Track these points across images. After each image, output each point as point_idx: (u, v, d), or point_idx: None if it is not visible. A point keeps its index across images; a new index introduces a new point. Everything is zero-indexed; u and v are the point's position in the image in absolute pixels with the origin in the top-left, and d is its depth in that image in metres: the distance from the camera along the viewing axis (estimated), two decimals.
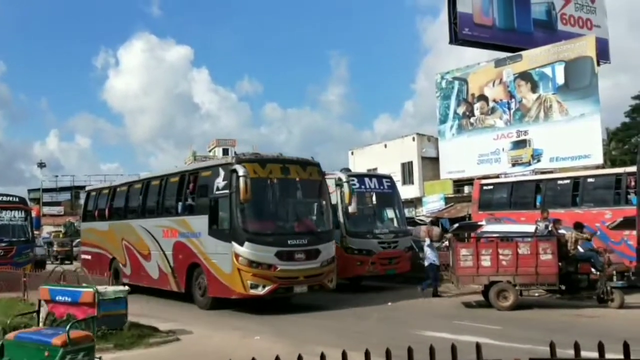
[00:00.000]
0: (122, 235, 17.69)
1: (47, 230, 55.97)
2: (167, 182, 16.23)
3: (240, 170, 12.70)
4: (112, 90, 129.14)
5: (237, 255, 12.86)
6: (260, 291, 12.81)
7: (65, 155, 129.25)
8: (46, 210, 63.59)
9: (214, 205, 13.83)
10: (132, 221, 17.31)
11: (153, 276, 16.14)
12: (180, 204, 15.44)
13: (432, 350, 2.65)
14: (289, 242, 13.25)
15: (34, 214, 26.20)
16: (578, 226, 13.73)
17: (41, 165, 65.39)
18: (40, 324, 10.05)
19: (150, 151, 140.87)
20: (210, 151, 76.18)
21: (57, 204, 67.05)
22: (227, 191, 13.26)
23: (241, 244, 12.89)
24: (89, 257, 20.04)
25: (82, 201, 27.59)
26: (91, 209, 20.67)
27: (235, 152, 30.04)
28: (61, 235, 51.84)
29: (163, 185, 16.37)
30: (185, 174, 15.70)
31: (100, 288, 10.37)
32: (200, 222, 14.13)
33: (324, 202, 14.57)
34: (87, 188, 24.17)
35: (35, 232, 28.38)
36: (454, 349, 2.63)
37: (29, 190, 65.83)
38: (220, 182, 13.60)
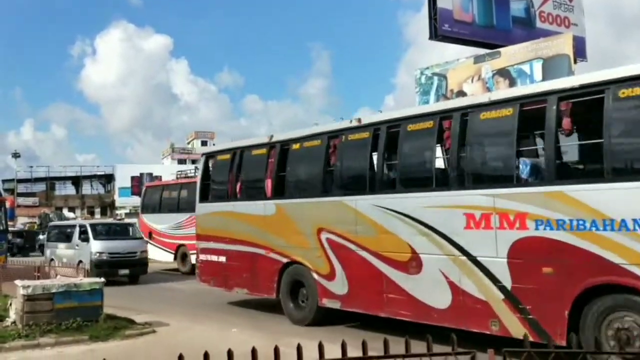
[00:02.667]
0: (317, 222, 10.47)
1: (21, 221, 55.14)
2: (473, 119, 8.33)
3: None
4: (89, 80, 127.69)
5: None
6: None
7: (41, 146, 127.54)
8: (21, 201, 62.63)
9: None
10: (348, 199, 9.91)
11: (427, 301, 8.67)
12: (529, 163, 7.91)
13: (407, 342, 2.67)
14: None
15: (8, 204, 25.77)
16: None
17: (16, 155, 64.36)
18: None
19: (127, 142, 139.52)
20: (188, 143, 75.77)
21: (32, 194, 66.03)
22: None
23: None
24: (218, 258, 12.55)
25: (193, 171, 25.64)
26: (221, 180, 12.83)
27: None
28: (36, 227, 51.13)
29: (458, 126, 8.46)
30: (551, 97, 7.44)
31: (75, 279, 10.29)
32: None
33: None
34: (206, 150, 16.50)
35: (10, 223, 27.95)
36: (428, 340, 2.64)
37: (3, 181, 64.67)
38: None
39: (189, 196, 22.11)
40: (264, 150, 11.75)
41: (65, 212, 60.97)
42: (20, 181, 65.71)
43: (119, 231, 20.56)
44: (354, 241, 9.77)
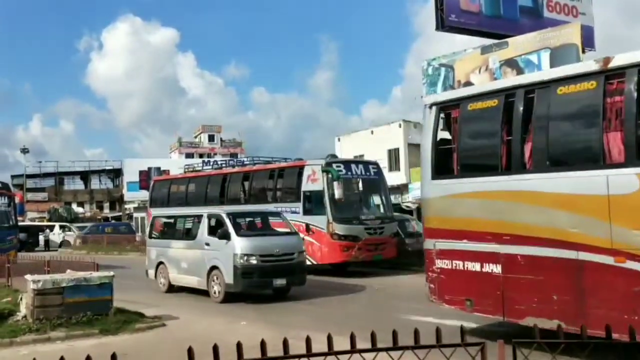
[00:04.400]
0: None
1: (30, 216, 55.47)
2: None
3: None
4: (96, 74, 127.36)
5: None
6: None
7: (49, 141, 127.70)
8: (30, 196, 62.95)
9: None
10: None
11: None
12: None
13: (416, 333, 2.66)
14: None
15: (17, 200, 25.93)
16: None
17: (24, 150, 64.61)
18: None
19: (135, 136, 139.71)
20: (196, 137, 75.83)
21: (41, 190, 66.34)
22: None
23: None
24: (484, 268, 7.98)
25: (200, 165, 25.36)
26: (484, 142, 8.51)
27: None
28: (45, 222, 51.43)
29: None
30: None
31: (85, 274, 10.35)
32: None
33: None
34: (437, 98, 9.79)
35: (19, 218, 28.13)
36: (438, 331, 2.64)
37: (12, 176, 65.05)
38: None
39: (197, 190, 22.23)
40: (589, 85, 7.08)
41: (74, 207, 61.31)
42: (29, 176, 66.04)
43: (264, 223, 15.02)
44: None
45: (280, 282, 12.80)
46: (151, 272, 15.57)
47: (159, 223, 16.67)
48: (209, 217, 13.89)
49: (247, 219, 14.65)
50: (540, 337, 2.59)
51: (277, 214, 15.49)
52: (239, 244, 12.73)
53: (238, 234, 12.95)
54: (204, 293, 13.50)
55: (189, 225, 14.88)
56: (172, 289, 14.68)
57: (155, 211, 24.06)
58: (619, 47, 70.77)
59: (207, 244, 13.45)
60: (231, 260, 12.61)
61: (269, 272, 12.72)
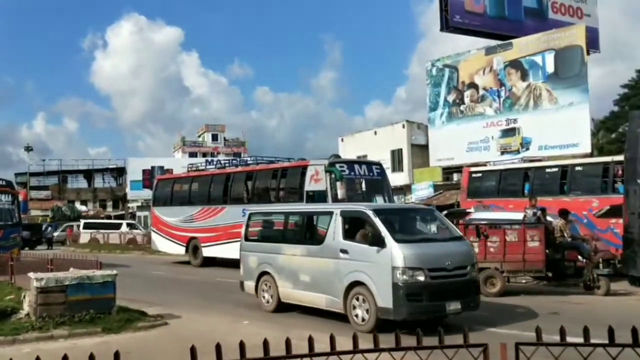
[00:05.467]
0: None
1: (34, 214, 55.62)
2: None
3: None
4: (100, 73, 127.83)
5: None
6: None
7: (53, 139, 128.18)
8: (33, 194, 63.16)
9: None
10: None
11: None
12: None
13: (419, 334, 2.66)
14: None
15: (21, 197, 26.00)
16: (563, 213, 13.86)
17: (28, 149, 64.87)
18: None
19: (139, 135, 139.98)
20: (199, 136, 75.96)
21: (45, 188, 66.54)
22: None
23: None
24: None
25: (203, 164, 24.59)
26: None
27: None
28: (49, 220, 51.56)
29: None
30: None
31: (88, 272, 10.36)
32: None
33: None
34: None
35: (23, 216, 28.19)
36: (440, 333, 2.64)
37: (16, 174, 65.27)
38: None
39: (200, 189, 22.26)
40: None
41: (78, 205, 61.46)
42: (32, 174, 66.26)
43: (421, 224, 11.10)
44: None
45: (454, 306, 9.22)
46: (249, 285, 12.02)
47: (258, 221, 12.82)
48: (344, 214, 10.28)
49: (399, 218, 10.84)
50: (541, 340, 2.59)
51: (429, 211, 11.69)
52: (400, 253, 9.04)
53: (396, 238, 9.27)
54: (205, 291, 13.48)
55: (308, 224, 11.47)
56: (281, 306, 11.26)
57: (158, 210, 24.04)
58: (624, 49, 70.57)
59: (344, 251, 9.84)
60: (388, 276, 9.05)
61: (440, 292, 9.24)
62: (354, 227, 10.10)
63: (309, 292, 10.57)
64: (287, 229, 11.92)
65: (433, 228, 10.84)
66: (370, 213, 9.72)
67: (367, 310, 9.32)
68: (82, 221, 42.69)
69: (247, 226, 12.59)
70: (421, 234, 10.61)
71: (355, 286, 9.55)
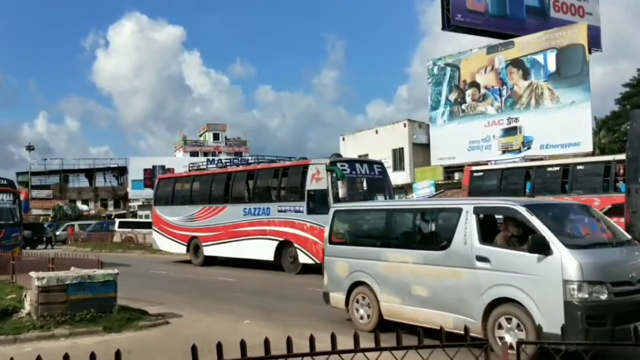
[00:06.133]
0: None
1: (35, 213, 55.68)
2: None
3: None
4: (102, 72, 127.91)
5: None
6: None
7: (54, 138, 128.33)
8: (35, 193, 63.21)
9: None
10: None
11: None
12: None
13: (420, 333, 2.66)
14: None
15: (22, 197, 26.01)
16: None
17: (30, 148, 64.84)
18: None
19: (140, 134, 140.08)
20: (200, 136, 75.96)
21: (46, 187, 66.64)
22: None
23: None
24: None
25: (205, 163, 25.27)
26: None
27: None
28: (50, 219, 51.60)
29: None
30: None
31: (89, 271, 10.37)
32: None
33: None
34: None
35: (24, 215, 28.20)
36: (442, 331, 2.63)
37: (18, 174, 65.39)
38: None
39: (201, 188, 22.27)
40: None
41: (79, 204, 61.51)
42: (34, 174, 66.30)
43: (578, 224, 8.48)
44: None
45: None
46: (338, 298, 9.82)
47: (347, 220, 10.62)
48: (480, 212, 8.08)
49: (557, 217, 8.20)
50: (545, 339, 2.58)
51: (585, 208, 9.07)
52: (574, 263, 6.82)
53: (566, 243, 7.07)
54: (206, 290, 13.46)
55: (423, 224, 9.18)
56: (382, 324, 8.80)
57: (159, 209, 24.03)
58: (627, 48, 70.52)
59: (482, 259, 7.66)
60: (556, 292, 6.84)
61: (627, 314, 6.86)
62: (492, 228, 8.25)
63: (426, 310, 8.28)
64: (392, 230, 9.55)
65: (594, 229, 8.35)
66: (523, 210, 7.57)
67: (521, 336, 6.92)
68: (117, 220, 43.17)
69: (332, 226, 10.31)
70: (589, 238, 8.05)
71: (500, 304, 7.38)
